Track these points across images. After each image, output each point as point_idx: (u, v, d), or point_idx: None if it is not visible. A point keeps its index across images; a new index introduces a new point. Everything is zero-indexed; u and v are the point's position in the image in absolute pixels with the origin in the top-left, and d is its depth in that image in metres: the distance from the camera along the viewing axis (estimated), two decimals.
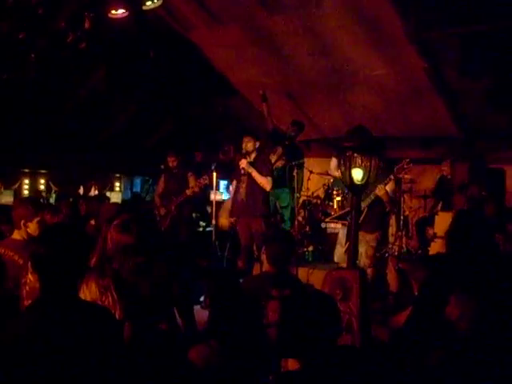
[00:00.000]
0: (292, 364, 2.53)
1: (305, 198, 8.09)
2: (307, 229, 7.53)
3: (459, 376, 2.32)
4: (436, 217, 6.61)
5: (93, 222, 6.07)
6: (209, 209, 8.92)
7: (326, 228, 7.04)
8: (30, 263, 2.38)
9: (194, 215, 8.69)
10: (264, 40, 7.31)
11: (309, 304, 2.34)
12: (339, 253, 5.93)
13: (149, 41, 7.86)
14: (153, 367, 2.91)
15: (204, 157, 11.18)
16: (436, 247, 6.08)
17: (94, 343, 2.17)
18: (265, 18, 6.79)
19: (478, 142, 8.45)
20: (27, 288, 3.00)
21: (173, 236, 7.67)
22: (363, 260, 5.58)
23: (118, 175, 11.73)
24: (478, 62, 6.15)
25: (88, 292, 2.77)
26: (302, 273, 6.05)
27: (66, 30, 6.63)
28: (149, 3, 6.32)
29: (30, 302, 2.94)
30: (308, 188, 8.20)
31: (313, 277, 6.01)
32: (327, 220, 6.44)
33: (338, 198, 6.77)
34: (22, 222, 3.78)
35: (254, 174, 6.28)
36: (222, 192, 9.72)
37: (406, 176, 8.67)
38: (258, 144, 6.42)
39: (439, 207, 7.85)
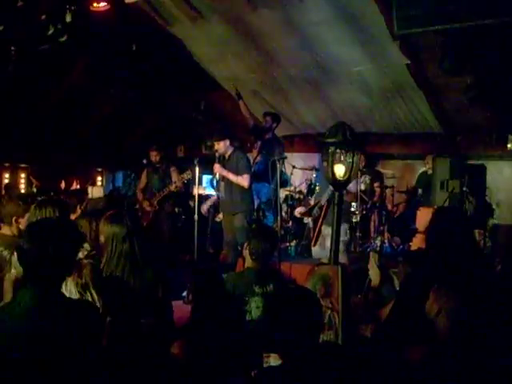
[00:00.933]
0: (274, 360, 2.55)
1: (288, 193, 8.11)
2: (290, 224, 7.54)
3: (442, 371, 2.34)
4: (417, 212, 6.66)
5: (73, 217, 6.00)
6: (191, 203, 8.89)
7: (308, 223, 7.06)
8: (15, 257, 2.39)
9: (176, 210, 8.66)
10: (248, 35, 7.29)
11: (291, 300, 2.35)
12: (314, 248, 5.99)
13: (131, 35, 7.79)
14: (134, 362, 2.91)
15: (186, 151, 11.15)
16: (417, 242, 6.12)
17: (74, 337, 2.17)
18: (249, 12, 6.78)
19: (459, 138, 8.55)
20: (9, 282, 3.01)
21: (155, 231, 7.65)
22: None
23: (99, 170, 11.63)
24: (459, 58, 6.22)
25: (67, 294, 2.75)
26: (285, 268, 6.06)
27: (47, 22, 6.54)
28: None
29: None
30: (291, 183, 8.22)
31: (295, 272, 6.02)
32: (297, 215, 6.45)
33: None
34: (14, 218, 3.76)
35: (230, 176, 6.33)
36: (205, 187, 9.69)
37: (388, 171, 8.79)
38: (228, 142, 6.42)
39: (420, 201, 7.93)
